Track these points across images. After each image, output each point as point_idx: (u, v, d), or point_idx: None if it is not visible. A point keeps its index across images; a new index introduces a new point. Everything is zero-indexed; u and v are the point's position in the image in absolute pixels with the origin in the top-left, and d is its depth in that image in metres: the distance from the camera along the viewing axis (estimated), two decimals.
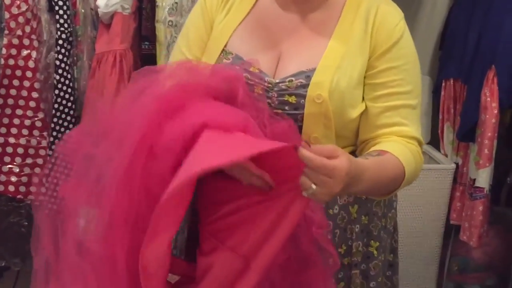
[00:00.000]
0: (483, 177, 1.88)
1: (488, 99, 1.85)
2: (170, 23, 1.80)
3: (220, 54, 1.00)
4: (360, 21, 0.99)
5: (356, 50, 0.98)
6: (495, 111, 1.84)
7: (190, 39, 1.07)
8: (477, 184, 1.90)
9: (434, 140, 2.11)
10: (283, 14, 1.02)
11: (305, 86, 0.95)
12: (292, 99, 0.95)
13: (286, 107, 0.96)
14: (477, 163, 1.90)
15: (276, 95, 0.96)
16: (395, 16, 1.01)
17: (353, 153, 1.03)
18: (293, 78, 0.96)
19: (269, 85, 0.97)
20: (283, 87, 0.96)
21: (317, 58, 0.97)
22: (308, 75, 0.95)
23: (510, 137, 1.94)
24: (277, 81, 0.97)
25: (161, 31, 1.80)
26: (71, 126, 1.84)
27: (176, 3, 1.78)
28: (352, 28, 0.99)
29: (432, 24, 2.17)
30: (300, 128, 0.95)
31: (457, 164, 2.05)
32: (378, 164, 0.90)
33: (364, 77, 0.98)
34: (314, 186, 0.76)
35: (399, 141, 0.97)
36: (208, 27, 1.06)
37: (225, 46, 1.01)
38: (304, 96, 0.94)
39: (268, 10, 1.03)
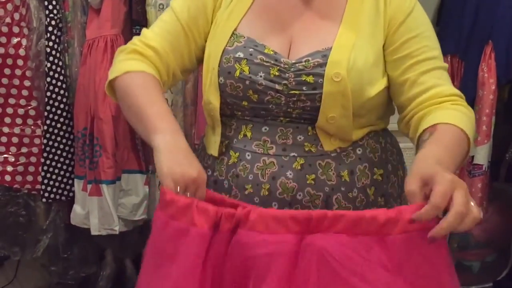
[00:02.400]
0: (482, 154, 1.87)
1: (486, 74, 1.82)
2: (160, 6, 1.76)
3: (231, 37, 0.99)
4: None
5: (369, 29, 0.97)
6: (493, 87, 1.82)
7: (190, 10, 1.02)
8: (475, 161, 1.88)
9: None
10: None
11: (323, 65, 0.94)
12: (310, 79, 0.94)
13: (304, 88, 0.95)
14: (475, 140, 1.89)
15: (293, 76, 0.95)
16: None
17: (373, 133, 1.02)
18: (309, 58, 0.95)
19: (286, 66, 0.96)
20: (300, 67, 0.95)
21: (331, 38, 0.96)
22: (324, 54, 0.95)
23: (508, 113, 1.91)
24: (294, 61, 0.96)
25: (152, 14, 1.77)
26: (64, 113, 1.83)
27: None
28: (362, 6, 0.98)
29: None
30: (317, 108, 0.95)
31: None
32: (436, 142, 0.86)
33: (386, 55, 0.98)
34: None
35: (442, 107, 0.94)
36: (210, 10, 1.03)
37: (235, 30, 1.00)
38: (322, 75, 0.93)
39: None
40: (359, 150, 1.00)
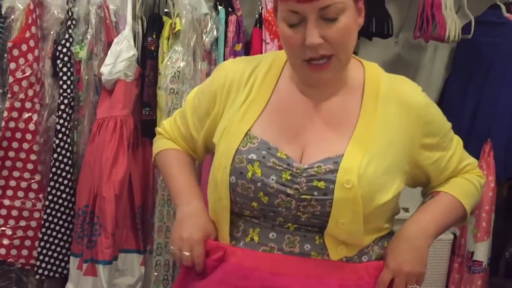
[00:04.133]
0: (482, 251, 1.87)
1: (485, 172, 1.86)
2: (171, 91, 1.82)
3: (244, 137, 1.01)
4: (383, 104, 1.01)
5: (382, 136, 0.99)
6: (492, 184, 1.85)
7: (196, 109, 1.12)
8: (475, 258, 1.88)
9: None
10: (304, 99, 1.03)
11: (334, 171, 0.95)
12: (321, 185, 0.95)
13: (315, 193, 0.96)
14: (475, 236, 1.89)
15: (304, 181, 0.96)
16: (418, 94, 1.04)
17: (379, 238, 1.03)
18: (321, 164, 0.97)
19: (298, 171, 0.97)
20: (312, 172, 0.96)
21: (344, 145, 0.98)
22: (336, 161, 0.97)
23: (508, 210, 1.93)
24: (306, 166, 0.97)
25: (163, 97, 1.83)
26: (67, 189, 1.83)
27: (179, 71, 1.81)
28: (375, 112, 1.01)
29: (427, 96, 2.21)
30: (327, 214, 0.96)
31: (454, 234, 2.04)
32: (424, 209, 1.06)
33: (425, 159, 1.04)
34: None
35: (456, 176, 1.09)
36: (212, 107, 1.09)
37: (249, 130, 1.02)
38: (333, 182, 0.95)
39: (288, 95, 1.05)
40: (365, 258, 1.00)
